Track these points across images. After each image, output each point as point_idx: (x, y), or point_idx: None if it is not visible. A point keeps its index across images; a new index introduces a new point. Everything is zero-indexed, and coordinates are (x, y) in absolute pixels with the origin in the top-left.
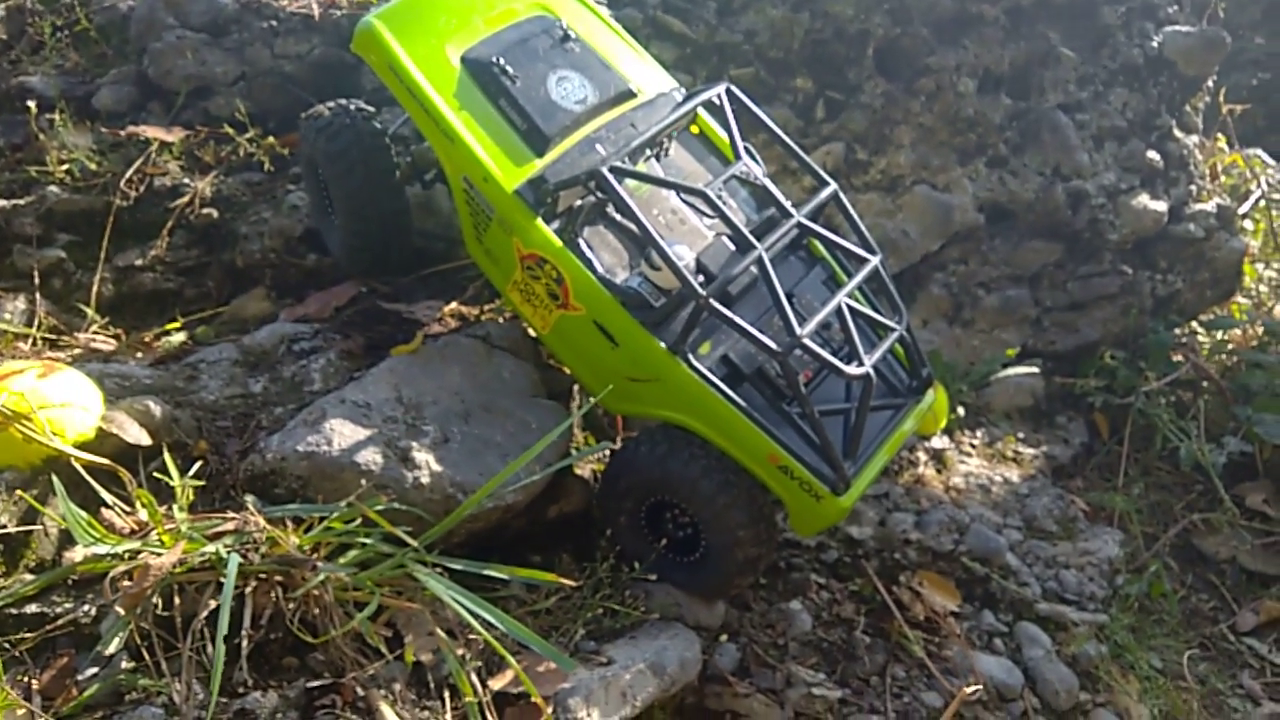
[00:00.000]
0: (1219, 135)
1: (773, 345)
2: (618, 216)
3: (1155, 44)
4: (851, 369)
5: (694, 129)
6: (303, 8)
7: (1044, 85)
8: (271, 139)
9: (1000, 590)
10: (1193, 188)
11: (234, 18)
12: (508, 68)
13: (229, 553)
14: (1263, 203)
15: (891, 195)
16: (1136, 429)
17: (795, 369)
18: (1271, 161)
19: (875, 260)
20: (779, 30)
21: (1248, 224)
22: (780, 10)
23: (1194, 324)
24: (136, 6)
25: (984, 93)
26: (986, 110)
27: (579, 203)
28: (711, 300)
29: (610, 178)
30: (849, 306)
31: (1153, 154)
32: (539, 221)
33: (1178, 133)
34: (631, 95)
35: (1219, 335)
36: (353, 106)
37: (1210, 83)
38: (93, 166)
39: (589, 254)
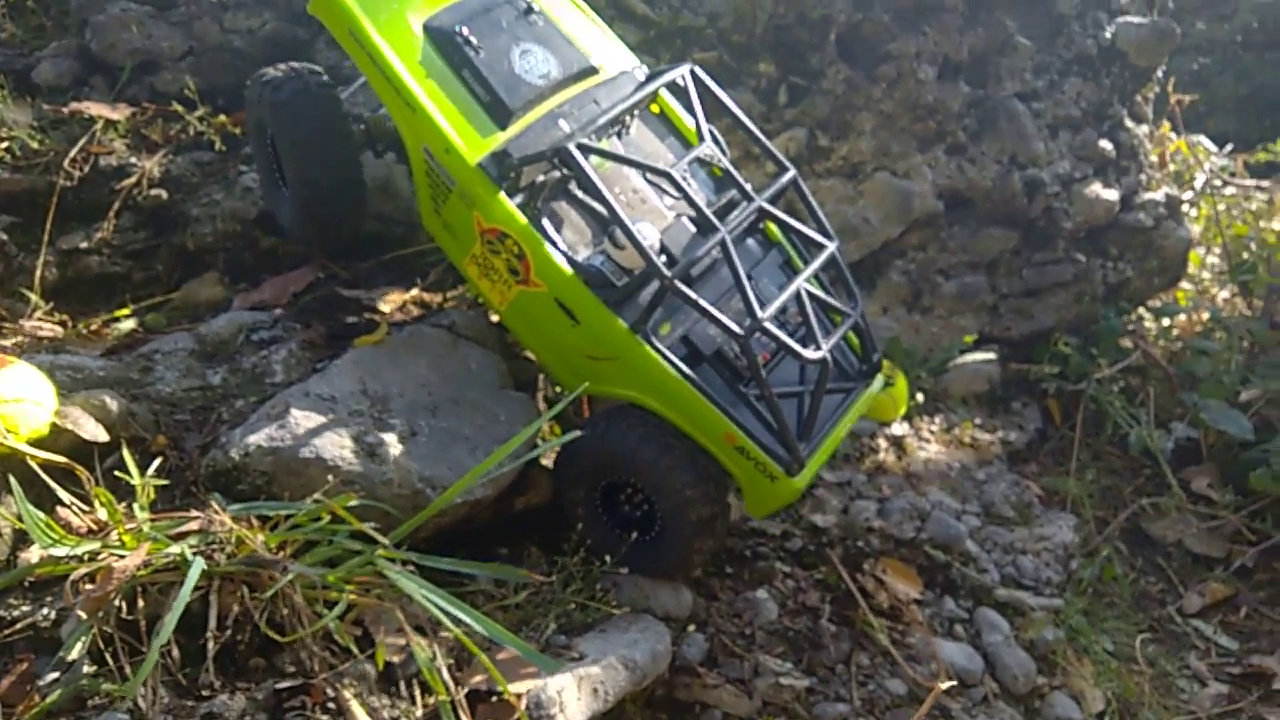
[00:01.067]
0: (1165, 122)
1: (735, 328)
2: (580, 194)
3: (1108, 34)
4: (809, 353)
5: (654, 108)
6: None
7: (1001, 73)
8: (223, 117)
9: (960, 577)
10: (1143, 177)
11: None
12: (471, 38)
13: (194, 554)
14: (1206, 190)
15: (853, 182)
16: (1088, 415)
17: (754, 351)
18: (1214, 148)
19: (832, 246)
20: (742, 14)
21: (1190, 210)
22: None
23: (1141, 310)
24: None
25: (943, 80)
26: (946, 98)
27: (541, 178)
28: (676, 282)
29: (578, 154)
30: (807, 292)
31: (1105, 143)
32: (501, 196)
33: (1129, 123)
34: (594, 72)
35: (1165, 322)
36: (304, 67)
37: (1160, 73)
38: (34, 145)
39: (551, 231)
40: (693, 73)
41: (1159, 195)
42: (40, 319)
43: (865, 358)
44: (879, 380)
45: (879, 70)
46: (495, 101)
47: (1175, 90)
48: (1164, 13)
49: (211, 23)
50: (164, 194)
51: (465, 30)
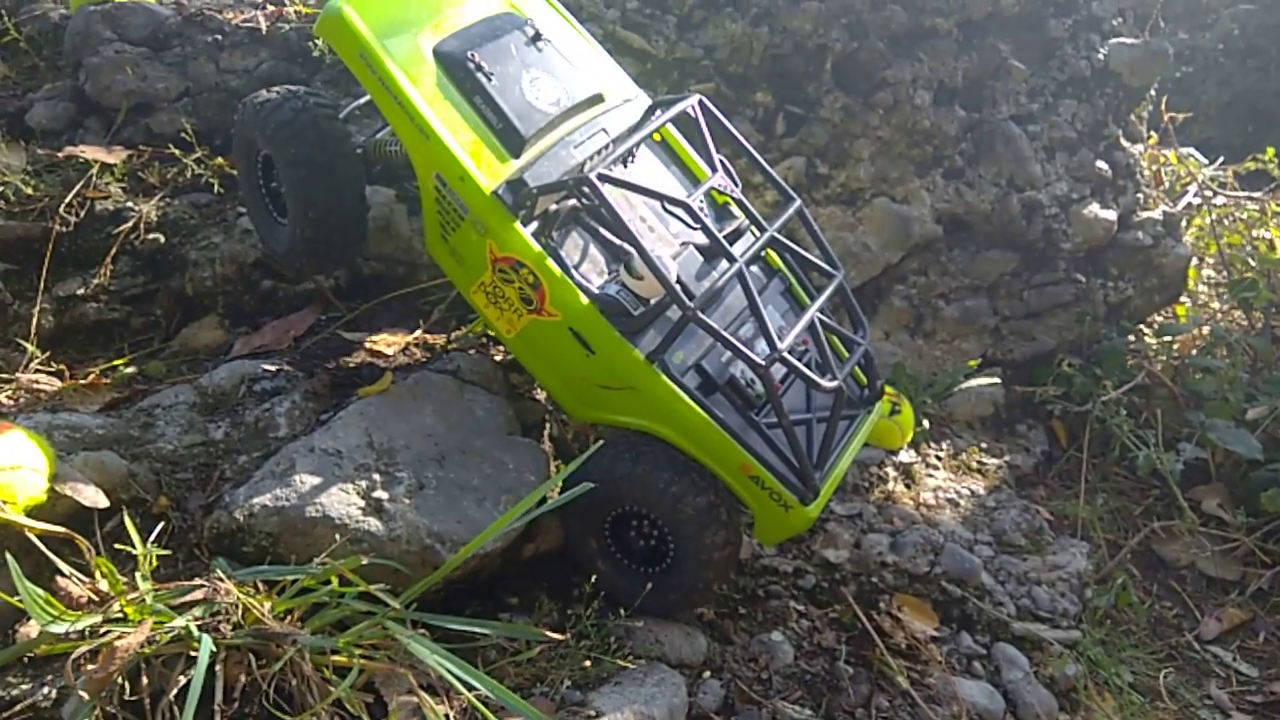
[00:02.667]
0: (1153, 134)
1: (756, 359)
2: (592, 222)
3: (1101, 55)
4: (825, 382)
5: (655, 135)
6: (248, 21)
7: (996, 97)
8: (220, 159)
9: (977, 611)
10: (1140, 196)
11: (176, 31)
12: (483, 64)
13: (200, 629)
14: (1198, 201)
15: (852, 208)
16: (1094, 436)
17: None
18: (1204, 160)
19: (839, 276)
20: (739, 45)
21: (1183, 223)
22: (740, 25)
23: (1141, 328)
24: (72, 18)
25: (939, 105)
26: (942, 122)
27: (554, 207)
28: (699, 312)
29: (600, 185)
30: (820, 321)
31: (1101, 164)
32: (517, 225)
33: (1124, 142)
34: (600, 99)
35: (1166, 340)
36: (299, 88)
37: (1153, 91)
38: (28, 190)
39: (566, 260)
40: (701, 103)
41: (1156, 214)
42: (37, 369)
43: (869, 384)
44: (879, 406)
45: (875, 97)
46: (508, 129)
47: (1161, 103)
48: (1155, 33)
49: (207, 63)
50: (161, 238)
51: (477, 56)
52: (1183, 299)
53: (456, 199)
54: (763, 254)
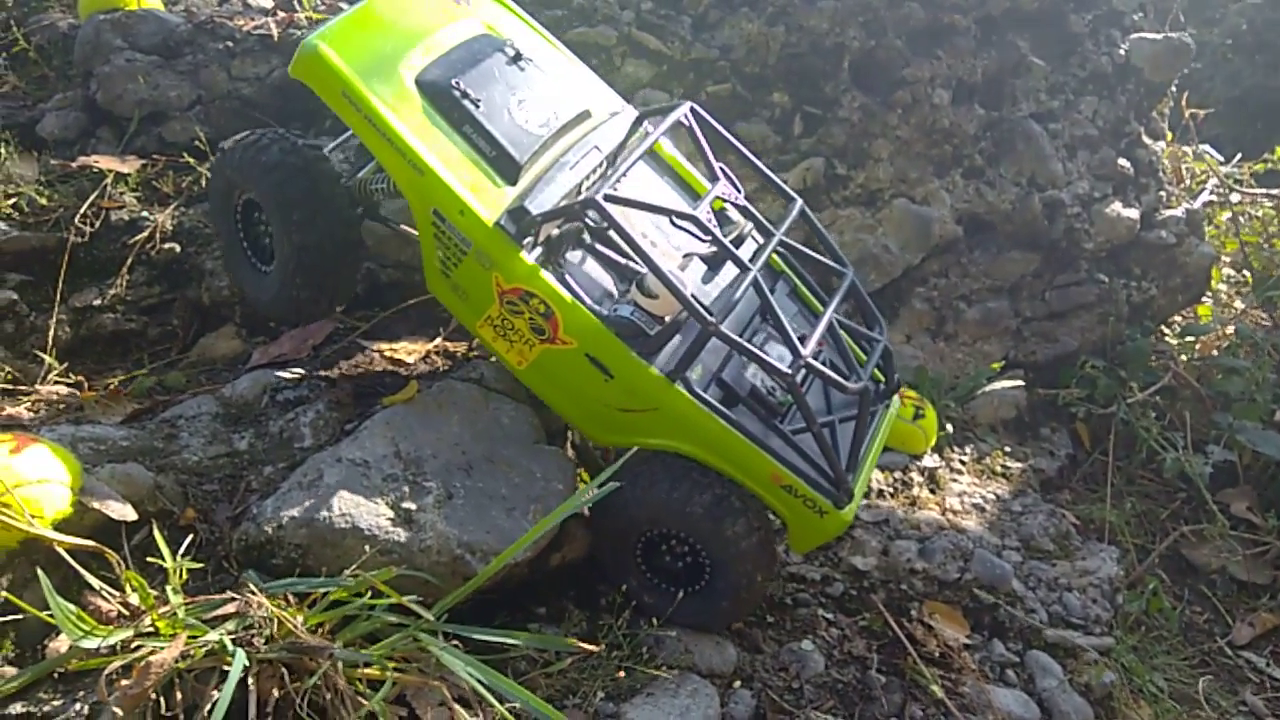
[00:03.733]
0: (1168, 132)
1: (781, 367)
2: (596, 244)
3: (1122, 51)
4: (851, 384)
5: None
6: (260, 28)
7: (1016, 94)
8: None
9: (1008, 618)
10: (1162, 194)
11: (187, 39)
12: (469, 91)
13: (234, 643)
14: (1213, 199)
15: (871, 209)
16: (1119, 438)
17: (799, 389)
18: (1219, 156)
19: (850, 274)
20: (755, 45)
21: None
22: (756, 24)
23: (1163, 329)
24: (81, 27)
25: (958, 103)
26: (961, 121)
27: (556, 231)
28: (721, 326)
29: (607, 207)
30: (838, 322)
31: (1123, 161)
32: (523, 255)
33: (1146, 139)
34: (588, 115)
35: (1189, 340)
36: (293, 134)
37: (1173, 87)
38: (43, 201)
39: (575, 285)
40: (693, 110)
41: (1179, 212)
42: (56, 380)
43: (886, 379)
44: (896, 400)
45: (894, 96)
46: (502, 156)
47: (1181, 99)
48: (1176, 27)
49: (219, 71)
50: (177, 247)
51: (462, 84)
52: (1204, 298)
53: (457, 233)
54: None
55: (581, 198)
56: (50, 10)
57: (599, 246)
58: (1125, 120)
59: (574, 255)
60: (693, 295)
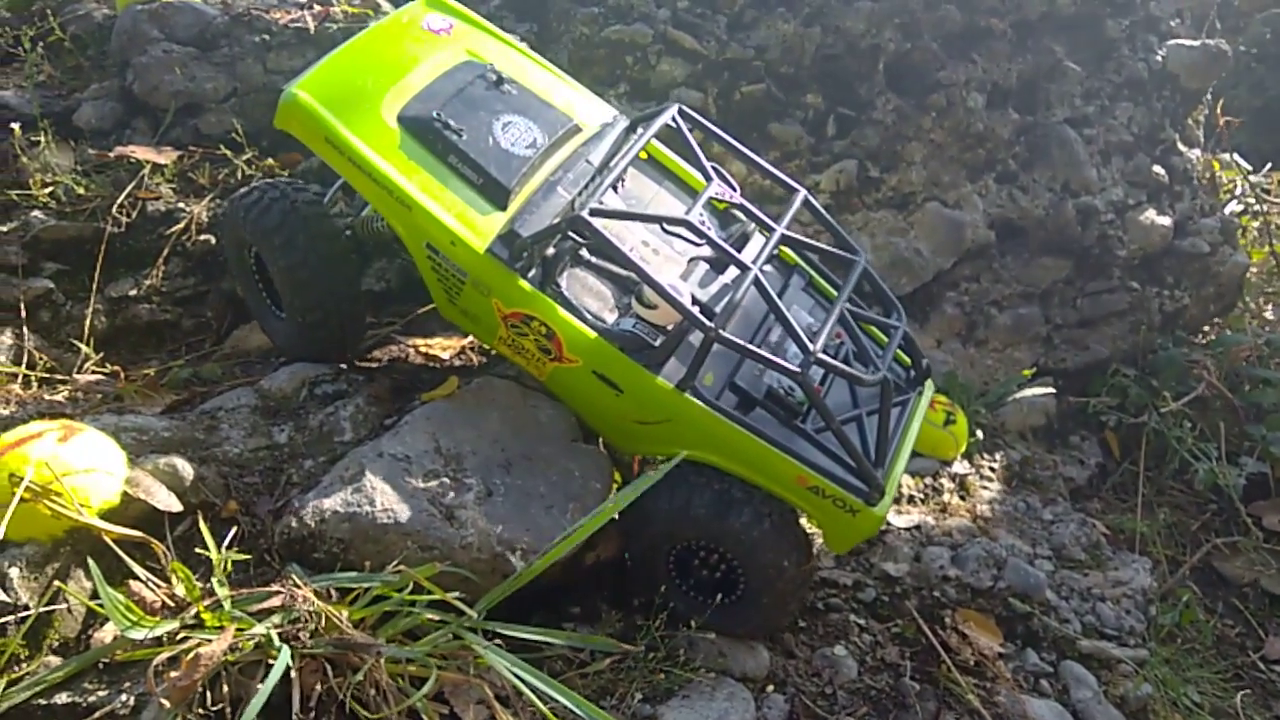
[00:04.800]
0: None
1: (790, 366)
2: (593, 259)
3: (1159, 57)
4: (868, 375)
5: (641, 155)
6: (296, 21)
7: (1051, 99)
8: (270, 160)
9: (1042, 628)
10: (1196, 202)
11: (223, 31)
12: (450, 121)
13: (279, 636)
14: (1240, 208)
15: (903, 213)
16: (1149, 448)
17: (813, 387)
18: (1248, 165)
19: (861, 261)
20: (790, 45)
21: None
22: (792, 25)
23: (1196, 339)
24: (118, 18)
25: (992, 107)
26: (995, 125)
27: (553, 250)
28: (722, 331)
29: (593, 221)
30: (850, 312)
31: (1158, 168)
32: (520, 280)
33: (1181, 146)
34: (578, 130)
35: (1220, 350)
36: (281, 181)
37: (1208, 95)
38: (80, 190)
39: (574, 303)
40: (681, 111)
41: (1213, 221)
42: (93, 370)
43: (914, 364)
44: (931, 385)
45: (928, 99)
46: (489, 182)
47: (1216, 106)
48: (1213, 34)
49: (255, 63)
50: (212, 239)
51: (443, 115)
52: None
53: (452, 264)
54: (776, 252)
55: (568, 215)
56: (85, 0)
57: (597, 260)
58: (1160, 127)
59: (574, 272)
60: (695, 300)
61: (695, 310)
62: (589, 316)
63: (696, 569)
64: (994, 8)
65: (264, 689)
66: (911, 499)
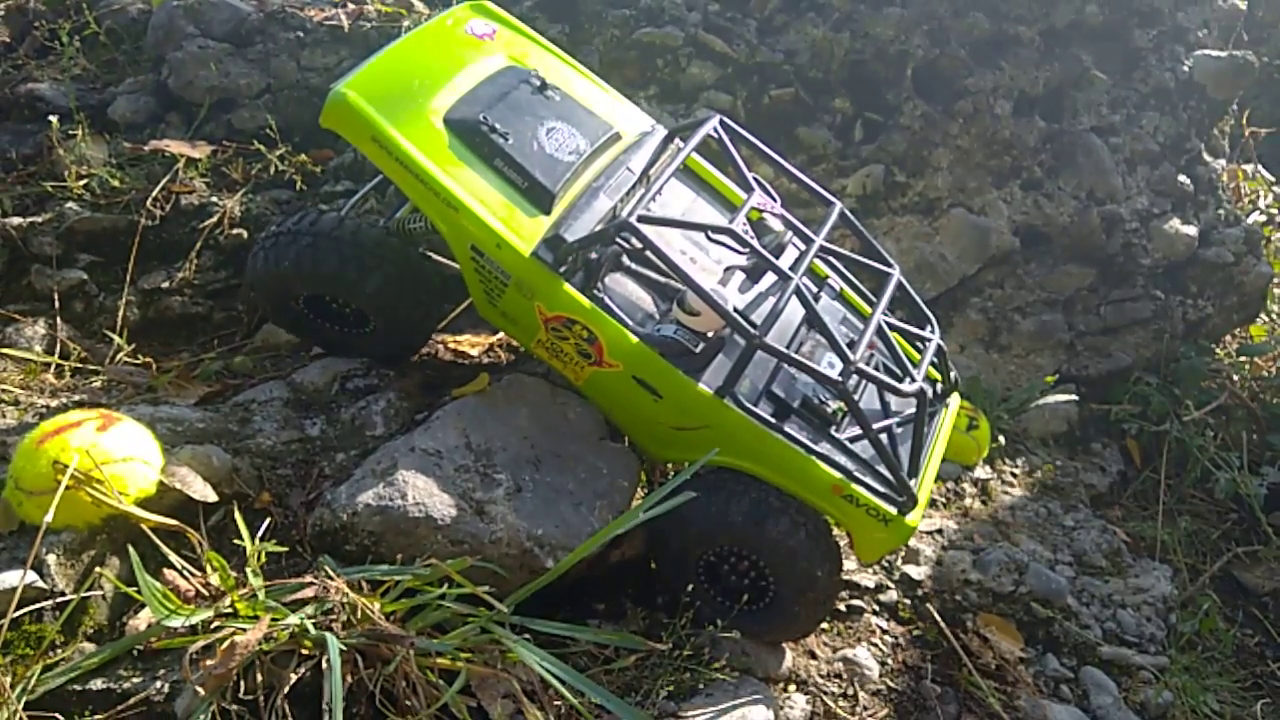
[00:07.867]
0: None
1: (832, 375)
2: (634, 264)
3: (1186, 67)
4: (906, 386)
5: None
6: (330, 19)
7: (1077, 107)
8: (303, 155)
9: (1063, 633)
10: (1221, 212)
11: (258, 28)
12: (497, 125)
13: (317, 627)
14: (1263, 219)
15: (929, 218)
16: (1170, 456)
17: (853, 396)
18: (1270, 176)
19: (895, 273)
20: (819, 50)
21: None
22: (821, 30)
23: (1217, 348)
24: (154, 12)
25: (1019, 114)
26: (1022, 132)
27: (595, 255)
28: (766, 339)
29: (641, 228)
30: (886, 323)
31: (1183, 178)
32: (564, 284)
33: (1206, 156)
34: (618, 138)
35: (1242, 360)
36: (287, 223)
37: (1234, 105)
38: (114, 183)
39: (616, 308)
40: (722, 122)
41: (1238, 230)
42: (126, 361)
43: (943, 377)
44: (957, 398)
45: (955, 106)
46: (534, 186)
47: (1243, 116)
48: (1240, 45)
49: (289, 60)
50: (244, 233)
51: (489, 118)
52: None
53: (496, 266)
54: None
55: (615, 221)
56: None
57: (638, 267)
58: (1186, 136)
59: (614, 278)
60: (735, 308)
61: (743, 320)
62: (630, 322)
63: (726, 575)
64: (1022, 16)
65: (331, 677)
66: (934, 503)
